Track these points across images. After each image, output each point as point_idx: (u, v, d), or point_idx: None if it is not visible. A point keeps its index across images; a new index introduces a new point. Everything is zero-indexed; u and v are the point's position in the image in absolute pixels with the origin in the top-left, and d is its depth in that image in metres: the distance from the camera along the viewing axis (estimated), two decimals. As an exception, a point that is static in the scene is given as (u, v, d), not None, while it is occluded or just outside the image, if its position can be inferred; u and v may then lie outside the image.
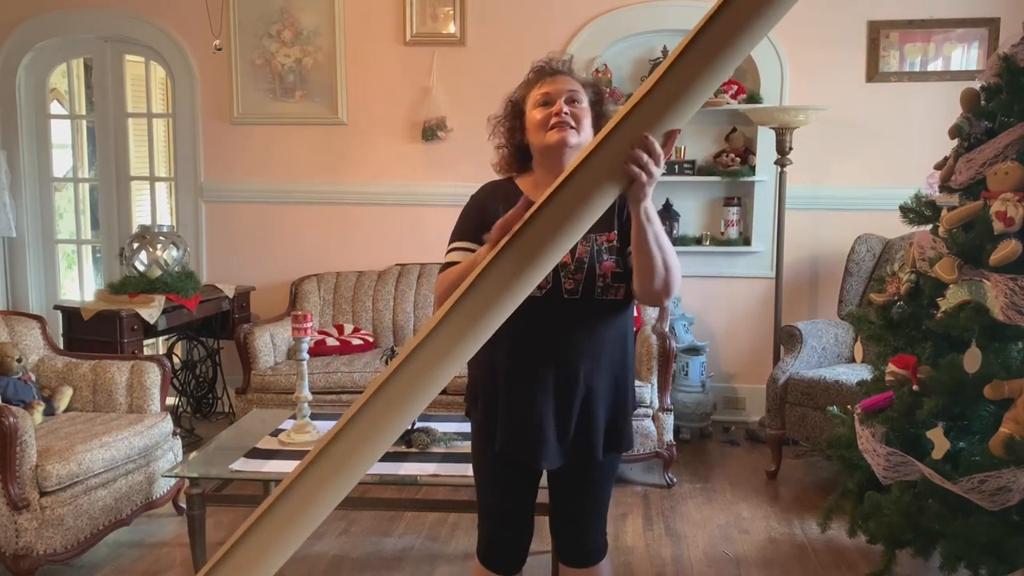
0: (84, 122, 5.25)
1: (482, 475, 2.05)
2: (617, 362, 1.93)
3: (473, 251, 1.87)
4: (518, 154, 1.98)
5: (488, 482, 2.04)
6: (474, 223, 1.89)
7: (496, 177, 2.05)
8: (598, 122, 1.89)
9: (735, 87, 4.46)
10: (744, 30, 1.21)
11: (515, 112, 1.96)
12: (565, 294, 1.83)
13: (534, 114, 1.89)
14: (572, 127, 1.84)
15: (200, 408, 4.82)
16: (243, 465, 2.73)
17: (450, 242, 1.95)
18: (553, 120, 1.84)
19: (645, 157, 1.32)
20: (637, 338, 3.92)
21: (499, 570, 2.03)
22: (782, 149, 4.30)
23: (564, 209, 1.24)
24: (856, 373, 3.58)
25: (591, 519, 2.03)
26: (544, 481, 2.06)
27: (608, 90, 4.49)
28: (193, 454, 2.94)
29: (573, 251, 1.81)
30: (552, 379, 1.86)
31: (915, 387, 2.44)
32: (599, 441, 1.92)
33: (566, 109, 1.84)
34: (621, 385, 1.96)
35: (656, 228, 1.68)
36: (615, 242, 1.87)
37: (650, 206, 1.64)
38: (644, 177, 1.35)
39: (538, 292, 1.74)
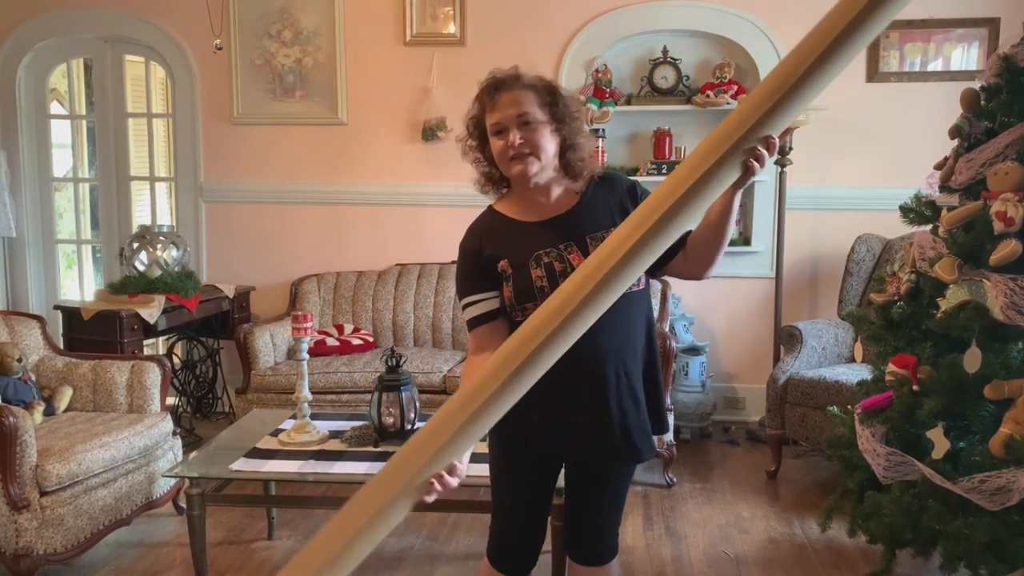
0: (84, 122, 5.25)
1: (503, 475, 2.01)
2: (650, 352, 1.95)
3: (488, 299, 1.87)
4: (497, 171, 1.93)
5: (510, 482, 2.01)
6: (477, 272, 1.89)
7: (479, 198, 2.01)
8: (558, 125, 1.84)
9: (735, 87, 4.46)
10: (867, 28, 1.34)
11: (480, 131, 1.91)
12: None
13: (494, 142, 1.85)
14: (530, 154, 1.82)
15: (200, 408, 4.82)
16: (243, 465, 2.73)
17: (461, 298, 1.93)
18: (510, 152, 1.82)
19: (767, 155, 1.46)
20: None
21: (509, 572, 2.02)
22: (782, 149, 4.30)
23: (692, 195, 1.40)
24: (856, 373, 3.58)
25: (609, 517, 2.03)
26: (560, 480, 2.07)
27: (609, 91, 4.53)
28: (193, 454, 2.94)
29: (586, 253, 1.80)
30: (592, 382, 1.85)
31: (915, 387, 2.44)
32: (649, 437, 1.93)
33: (519, 139, 1.81)
34: (655, 375, 1.97)
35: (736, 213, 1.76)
36: None
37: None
38: (758, 169, 1.47)
39: None
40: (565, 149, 1.88)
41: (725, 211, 1.71)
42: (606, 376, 1.85)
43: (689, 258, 1.84)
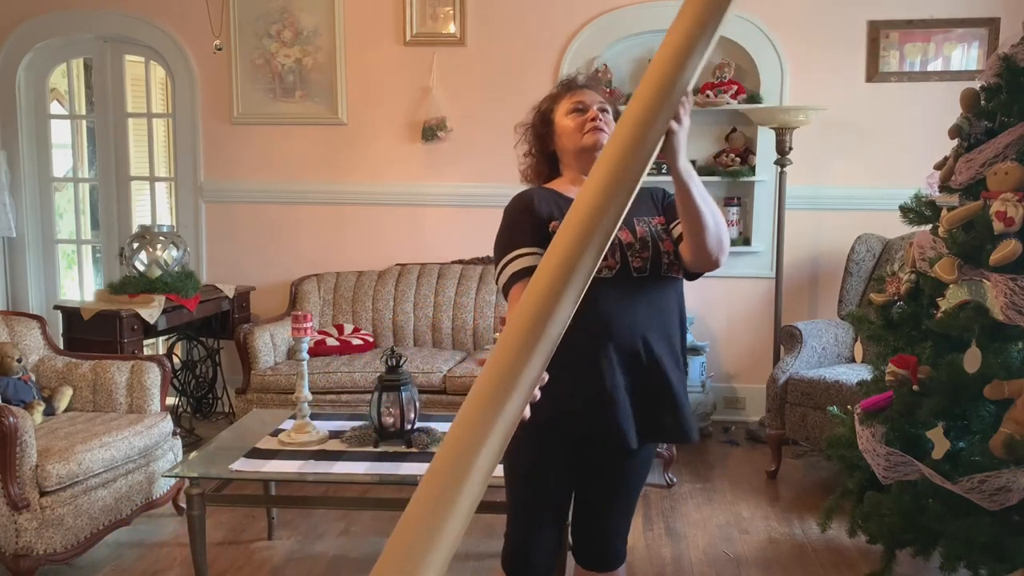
0: (84, 122, 5.25)
1: (535, 472, 1.94)
2: (679, 338, 1.97)
3: (537, 254, 1.80)
4: (546, 161, 2.06)
5: (542, 479, 1.94)
6: (528, 225, 1.86)
7: (523, 186, 2.07)
8: None
9: (735, 87, 4.46)
10: None
11: (544, 120, 2.04)
12: (634, 272, 1.85)
13: (566, 121, 1.98)
14: (603, 130, 1.93)
15: (200, 408, 4.82)
16: (243, 465, 2.73)
17: (506, 253, 1.85)
18: (589, 124, 1.94)
19: (680, 109, 1.43)
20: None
21: None
22: (782, 149, 4.30)
23: (621, 167, 1.28)
24: (856, 373, 3.58)
25: (620, 520, 2.02)
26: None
27: (608, 90, 4.52)
28: (193, 454, 2.94)
29: (634, 231, 1.87)
30: (628, 359, 1.84)
31: (915, 387, 2.44)
32: (689, 417, 1.92)
33: (600, 116, 1.95)
34: (682, 362, 1.98)
35: (698, 183, 1.73)
36: (665, 225, 1.93)
37: (687, 163, 1.69)
38: (676, 125, 1.46)
39: (608, 273, 1.81)
40: None
41: (681, 191, 1.71)
42: (639, 354, 1.85)
43: (687, 247, 1.83)
